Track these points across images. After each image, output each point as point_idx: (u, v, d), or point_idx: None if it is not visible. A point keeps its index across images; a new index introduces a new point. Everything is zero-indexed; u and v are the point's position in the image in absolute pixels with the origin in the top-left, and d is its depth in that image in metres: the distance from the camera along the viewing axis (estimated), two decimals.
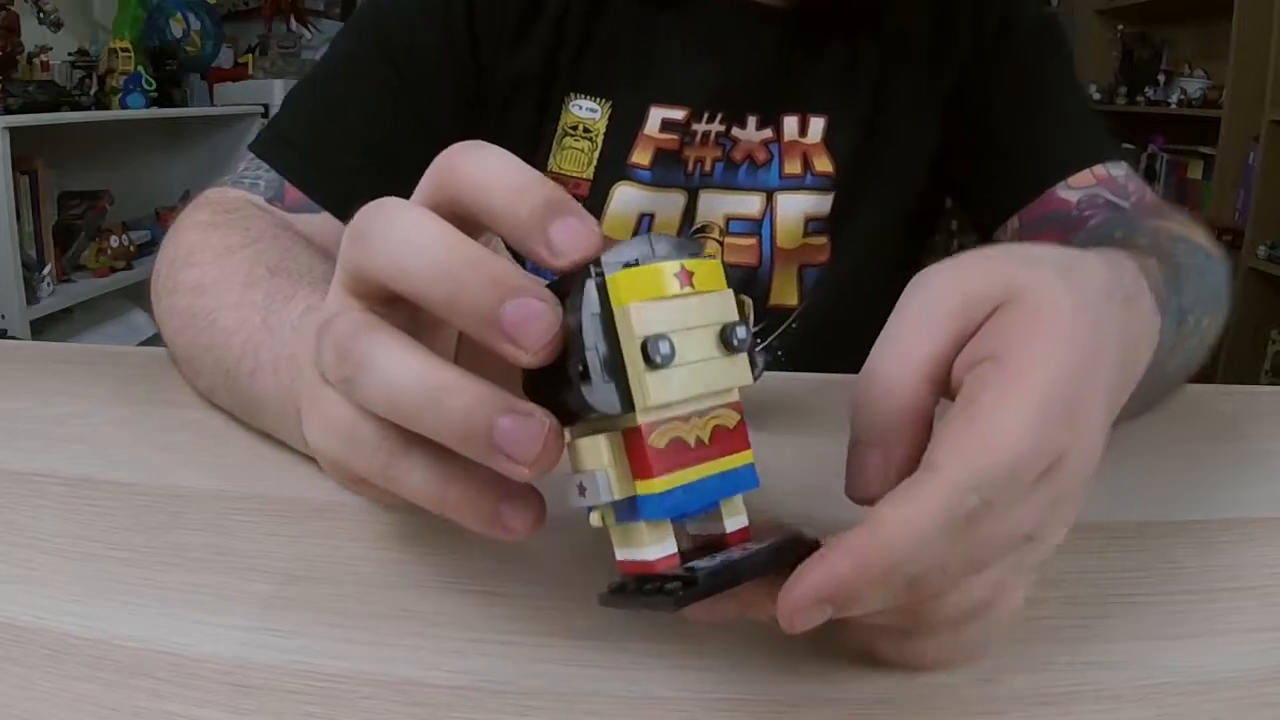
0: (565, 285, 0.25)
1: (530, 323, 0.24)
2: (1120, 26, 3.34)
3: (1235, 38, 2.69)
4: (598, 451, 0.25)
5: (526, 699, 0.29)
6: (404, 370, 0.26)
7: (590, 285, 0.25)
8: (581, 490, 0.25)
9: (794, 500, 0.36)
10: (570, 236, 0.25)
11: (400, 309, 0.28)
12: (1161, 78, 3.22)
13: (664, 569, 0.25)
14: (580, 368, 0.24)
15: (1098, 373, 0.28)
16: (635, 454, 0.25)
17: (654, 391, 0.24)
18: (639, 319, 0.24)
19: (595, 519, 0.26)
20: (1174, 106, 3.08)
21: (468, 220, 0.27)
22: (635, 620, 0.32)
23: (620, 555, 0.26)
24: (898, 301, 0.30)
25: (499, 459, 0.24)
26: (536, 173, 0.26)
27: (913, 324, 0.29)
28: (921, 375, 0.28)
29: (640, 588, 0.25)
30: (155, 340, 0.57)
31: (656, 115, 0.68)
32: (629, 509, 0.25)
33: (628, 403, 0.25)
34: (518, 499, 0.27)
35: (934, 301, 0.29)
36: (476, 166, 0.27)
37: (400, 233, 0.26)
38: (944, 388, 0.28)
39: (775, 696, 0.28)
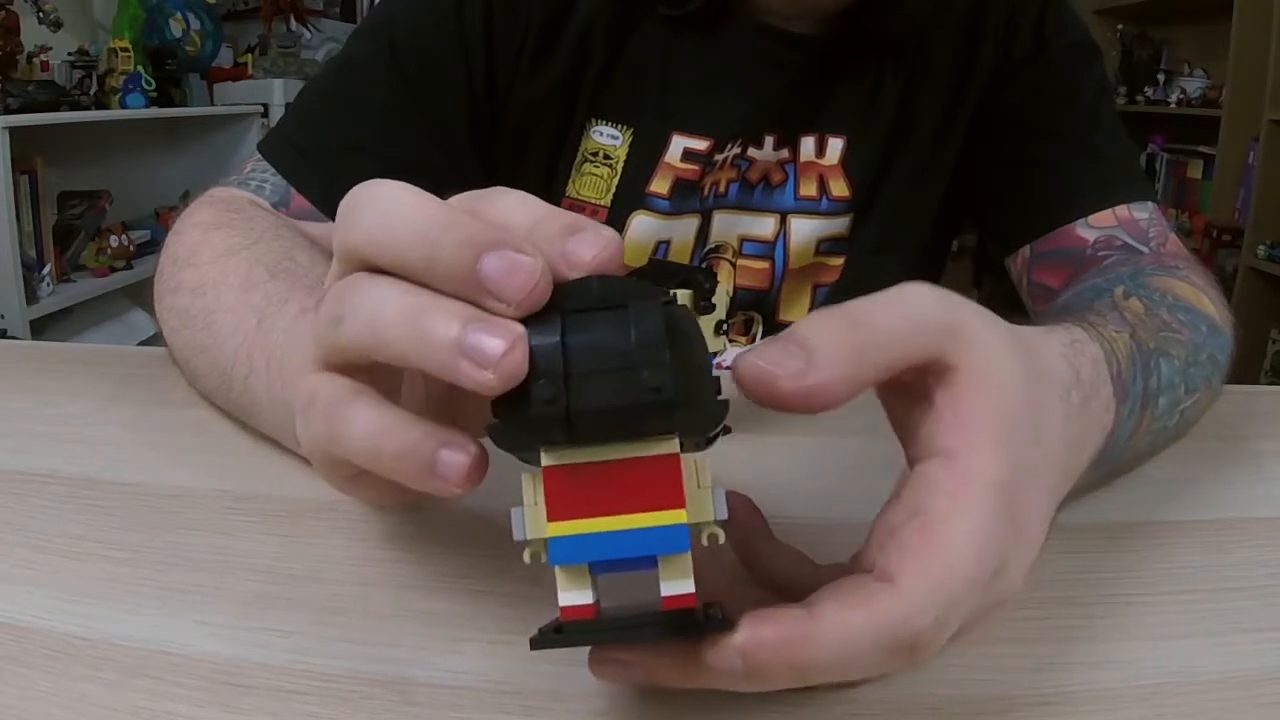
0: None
1: (512, 274, 0.24)
2: (1120, 26, 3.34)
3: (1235, 37, 2.69)
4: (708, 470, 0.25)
5: (527, 699, 0.29)
6: (386, 293, 0.26)
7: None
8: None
9: (792, 500, 0.36)
10: (588, 245, 0.25)
11: None
12: (1161, 77, 3.22)
13: (695, 604, 0.25)
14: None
15: (1040, 474, 0.29)
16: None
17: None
18: None
19: (719, 534, 0.25)
20: (1174, 106, 3.08)
21: None
22: None
23: (675, 589, 0.25)
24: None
25: (462, 364, 0.24)
26: (558, 208, 0.26)
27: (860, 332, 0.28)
28: (850, 378, 0.27)
29: (665, 621, 0.24)
30: (155, 340, 0.57)
31: (679, 144, 0.66)
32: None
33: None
34: (455, 445, 0.26)
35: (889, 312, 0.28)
36: (498, 204, 0.27)
37: (378, 206, 0.26)
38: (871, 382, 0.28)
39: (775, 697, 0.28)
